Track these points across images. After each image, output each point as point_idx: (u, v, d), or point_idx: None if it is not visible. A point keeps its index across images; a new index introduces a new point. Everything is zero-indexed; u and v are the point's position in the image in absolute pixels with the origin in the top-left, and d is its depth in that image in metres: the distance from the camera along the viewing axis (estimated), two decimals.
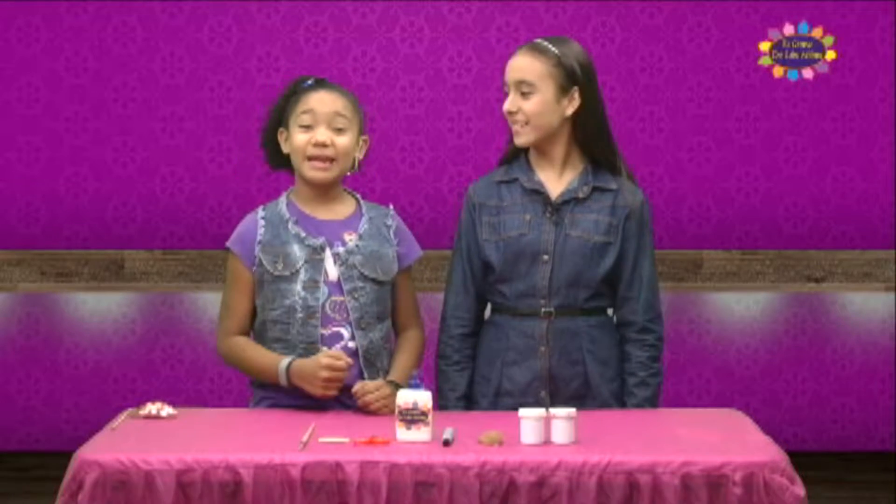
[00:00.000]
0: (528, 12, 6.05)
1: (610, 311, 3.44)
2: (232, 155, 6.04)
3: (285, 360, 3.22)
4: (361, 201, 3.39)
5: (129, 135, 6.05)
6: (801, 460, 3.45)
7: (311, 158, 3.27)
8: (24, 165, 6.05)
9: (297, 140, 3.27)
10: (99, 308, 6.09)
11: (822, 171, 6.10)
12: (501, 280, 3.38)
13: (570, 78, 3.33)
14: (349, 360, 3.19)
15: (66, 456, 2.84)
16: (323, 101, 3.28)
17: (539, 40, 3.38)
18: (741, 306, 6.14)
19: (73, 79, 6.04)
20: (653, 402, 3.38)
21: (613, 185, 3.38)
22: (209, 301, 6.03)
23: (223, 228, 5.98)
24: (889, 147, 6.08)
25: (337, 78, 5.98)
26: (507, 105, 3.34)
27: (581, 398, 3.33)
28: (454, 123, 6.06)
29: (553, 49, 3.34)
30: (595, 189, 3.36)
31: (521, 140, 3.36)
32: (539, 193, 3.36)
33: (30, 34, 6.02)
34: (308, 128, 3.27)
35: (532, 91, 3.32)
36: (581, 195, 3.35)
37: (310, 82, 3.35)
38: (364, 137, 3.35)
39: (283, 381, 3.22)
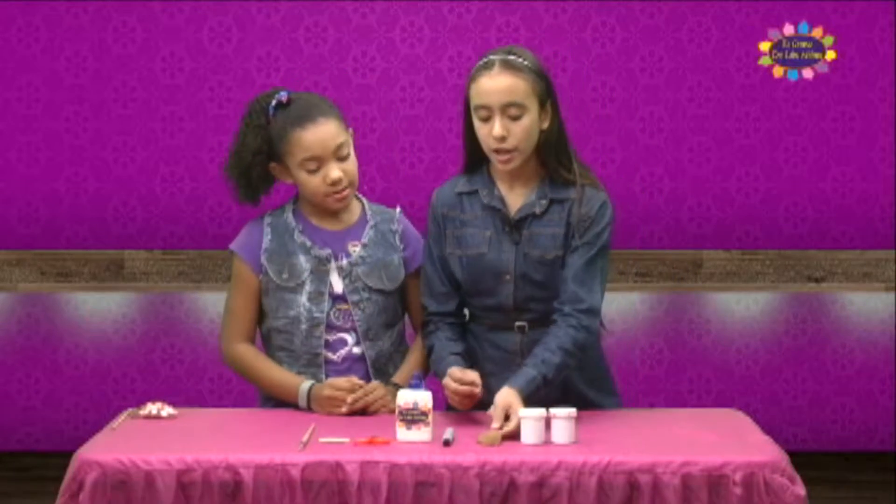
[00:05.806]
0: (528, 12, 6.04)
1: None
2: None
3: (306, 384, 3.20)
4: (367, 205, 3.37)
5: (129, 135, 6.05)
6: (801, 460, 3.45)
7: (328, 195, 3.22)
8: (24, 165, 6.05)
9: (310, 185, 3.20)
10: (99, 308, 6.09)
11: (822, 171, 6.09)
12: (468, 294, 3.26)
13: (547, 91, 3.18)
14: (359, 382, 3.18)
15: (66, 456, 2.84)
16: (322, 141, 3.19)
17: (505, 56, 3.16)
18: (741, 306, 6.14)
19: (73, 79, 6.03)
20: (551, 371, 3.08)
21: (571, 195, 3.19)
22: (209, 301, 6.03)
23: (223, 228, 5.98)
24: (889, 147, 6.08)
25: (337, 78, 6.00)
26: (497, 130, 3.10)
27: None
28: (454, 123, 6.04)
29: (525, 63, 3.14)
30: (553, 201, 3.20)
31: (510, 167, 3.16)
32: (498, 210, 3.22)
33: (30, 34, 6.02)
34: (316, 170, 3.20)
35: (522, 113, 3.13)
36: (538, 210, 3.19)
37: (283, 94, 3.24)
38: (350, 131, 3.29)
39: (302, 403, 3.21)
